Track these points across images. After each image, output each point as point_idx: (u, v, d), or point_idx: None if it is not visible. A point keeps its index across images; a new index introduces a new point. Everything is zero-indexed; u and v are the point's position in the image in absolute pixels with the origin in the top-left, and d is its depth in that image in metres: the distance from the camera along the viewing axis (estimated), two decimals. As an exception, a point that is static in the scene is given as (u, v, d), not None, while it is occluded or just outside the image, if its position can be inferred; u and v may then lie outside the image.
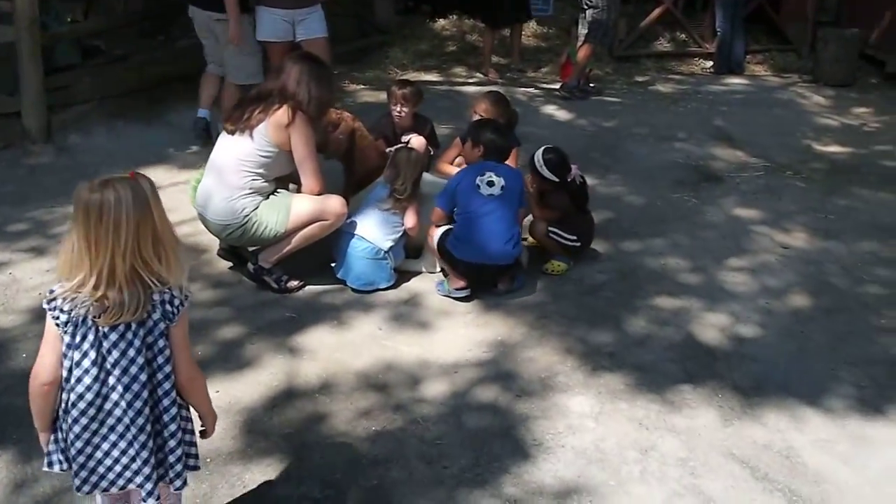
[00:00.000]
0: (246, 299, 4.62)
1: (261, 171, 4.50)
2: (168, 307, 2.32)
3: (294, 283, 4.70)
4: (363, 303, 4.61)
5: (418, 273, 4.96)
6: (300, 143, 4.49)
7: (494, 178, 4.66)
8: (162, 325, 2.32)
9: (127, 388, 2.30)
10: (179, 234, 2.48)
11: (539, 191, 5.08)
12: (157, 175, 6.28)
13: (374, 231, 4.73)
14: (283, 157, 4.54)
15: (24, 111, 6.52)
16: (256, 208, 4.49)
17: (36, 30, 6.34)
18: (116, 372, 2.29)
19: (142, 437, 2.35)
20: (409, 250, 4.98)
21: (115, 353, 2.28)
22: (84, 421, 2.33)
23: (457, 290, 4.61)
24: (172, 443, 2.42)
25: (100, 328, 2.26)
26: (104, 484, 2.40)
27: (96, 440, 2.36)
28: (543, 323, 4.45)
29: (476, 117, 5.64)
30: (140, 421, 2.34)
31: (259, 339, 4.22)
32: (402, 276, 4.87)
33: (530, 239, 5.14)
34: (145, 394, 2.33)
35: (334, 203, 4.59)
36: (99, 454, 2.37)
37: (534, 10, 10.21)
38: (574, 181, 5.11)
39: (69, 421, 2.33)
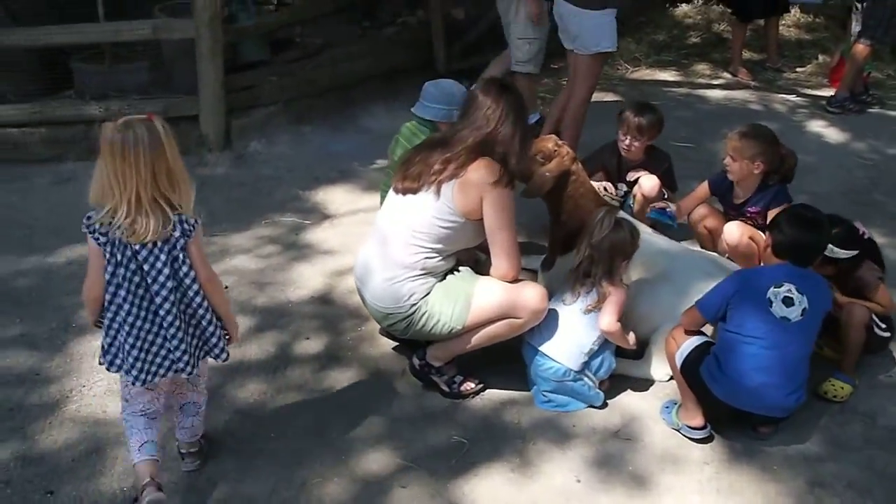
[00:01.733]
0: (405, 405, 3.46)
1: (438, 246, 3.31)
2: (185, 226, 2.65)
3: (470, 386, 3.49)
4: (557, 429, 3.32)
5: (641, 379, 3.62)
6: (497, 211, 3.26)
7: (795, 295, 3.18)
8: (182, 241, 2.66)
9: (157, 294, 2.67)
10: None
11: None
12: (335, 198, 5.29)
13: (561, 343, 3.42)
14: (469, 229, 3.33)
15: (201, 115, 5.69)
16: (427, 294, 3.31)
17: (217, 26, 5.46)
18: (149, 281, 2.66)
19: (177, 332, 2.73)
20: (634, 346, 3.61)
21: (146, 266, 2.65)
22: (130, 322, 2.69)
23: (693, 428, 3.23)
24: (210, 328, 2.82)
25: (132, 246, 2.61)
26: (154, 373, 2.77)
27: (144, 336, 2.72)
28: (819, 496, 2.99)
29: (729, 160, 4.17)
30: (171, 318, 2.71)
31: (413, 479, 3.05)
32: (616, 383, 3.55)
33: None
34: (173, 297, 2.69)
35: (531, 296, 3.32)
36: (150, 348, 2.74)
37: (797, -5, 8.36)
38: (867, 238, 3.74)
39: (116, 326, 2.72)
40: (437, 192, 3.25)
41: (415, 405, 3.45)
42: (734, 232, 4.18)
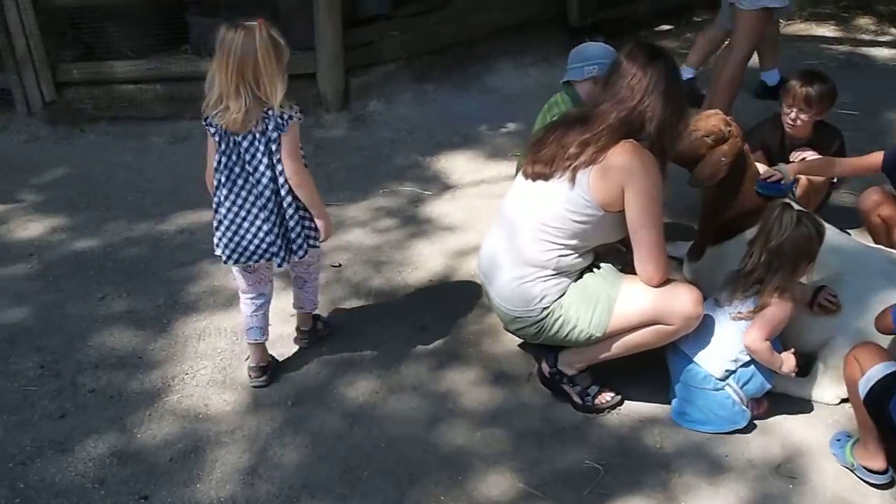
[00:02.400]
0: (530, 417, 3.05)
1: (573, 242, 2.86)
2: (279, 120, 2.82)
3: (606, 399, 3.06)
4: (707, 457, 2.86)
5: (805, 400, 3.11)
6: (642, 204, 2.78)
7: None
8: (275, 135, 2.82)
9: (258, 182, 2.88)
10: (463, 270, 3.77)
11: None
12: (458, 166, 4.88)
13: (712, 346, 2.96)
14: (608, 223, 2.86)
15: (319, 73, 5.35)
16: (562, 296, 2.88)
17: (335, -24, 5.06)
18: (249, 168, 2.87)
19: (273, 219, 2.91)
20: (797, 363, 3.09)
21: (247, 156, 2.86)
22: (227, 206, 2.92)
23: (872, 471, 2.71)
24: (291, 222, 2.95)
25: (236, 137, 2.84)
26: (245, 256, 2.97)
27: (238, 220, 2.93)
28: None
29: None
30: (270, 205, 2.90)
31: (538, 510, 2.67)
32: (776, 403, 3.05)
33: None
34: (272, 185, 2.88)
35: (685, 301, 2.85)
36: (241, 232, 2.94)
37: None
38: None
39: (220, 209, 2.95)
40: (572, 180, 2.78)
41: (542, 418, 3.04)
42: None
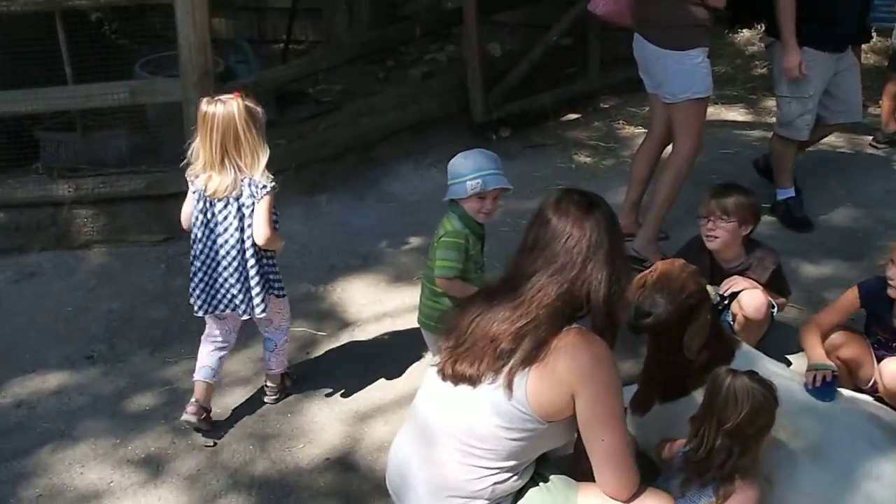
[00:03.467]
0: None
1: (511, 463, 2.21)
2: (254, 188, 3.03)
3: None
4: None
5: None
6: (599, 408, 2.17)
7: None
8: (249, 202, 3.04)
9: (226, 242, 3.10)
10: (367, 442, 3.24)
11: None
12: (356, 296, 4.21)
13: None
14: (555, 432, 2.24)
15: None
16: (502, 524, 2.21)
17: (209, 85, 4.38)
18: (220, 230, 3.09)
19: (236, 275, 3.12)
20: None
21: (220, 217, 3.08)
22: (201, 259, 3.15)
23: None
24: (254, 281, 3.14)
25: (211, 200, 3.06)
26: (213, 305, 3.20)
27: (210, 272, 3.15)
28: None
29: None
30: (235, 263, 3.11)
31: None
32: None
33: None
34: (239, 246, 3.09)
35: None
36: (213, 283, 3.16)
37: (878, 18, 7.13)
38: None
39: (195, 262, 3.16)
40: (508, 388, 2.14)
41: None
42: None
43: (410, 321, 3.93)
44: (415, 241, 4.80)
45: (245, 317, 3.21)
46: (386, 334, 3.93)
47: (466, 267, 3.08)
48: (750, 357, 3.06)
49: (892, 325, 3.19)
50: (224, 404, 3.46)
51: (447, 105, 5.89)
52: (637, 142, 6.12)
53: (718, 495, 2.34)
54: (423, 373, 3.49)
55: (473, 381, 2.18)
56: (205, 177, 3.03)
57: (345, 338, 3.92)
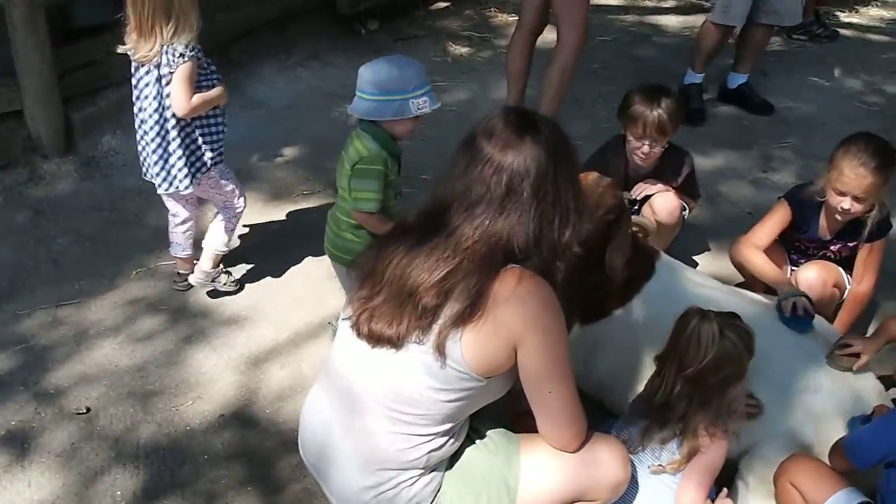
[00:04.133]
0: None
1: (447, 426, 1.93)
2: (170, 57, 2.86)
3: None
4: None
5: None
6: (546, 357, 1.90)
7: None
8: (166, 70, 2.88)
9: (145, 109, 2.97)
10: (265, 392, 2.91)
11: None
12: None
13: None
14: (495, 386, 1.95)
15: (26, 109, 3.96)
16: (438, 494, 1.94)
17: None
18: (142, 97, 2.97)
19: (155, 147, 2.99)
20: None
21: (142, 84, 2.97)
22: (137, 126, 3.06)
23: None
24: (176, 156, 3.01)
25: (137, 65, 2.96)
26: (144, 172, 3.13)
27: (141, 143, 3.07)
28: None
29: (850, 201, 2.88)
30: (153, 134, 2.98)
31: None
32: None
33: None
34: (157, 115, 2.95)
35: (610, 466, 2.04)
36: (142, 152, 3.08)
37: None
38: None
39: (137, 131, 3.10)
40: (440, 353, 1.83)
41: None
42: (815, 282, 2.97)
43: (299, 245, 3.56)
44: (289, 152, 4.35)
45: (164, 191, 3.09)
46: (272, 262, 3.53)
47: (386, 195, 2.71)
48: (670, 268, 2.87)
49: (816, 234, 3.06)
50: (92, 360, 3.01)
51: (309, -3, 5.32)
52: (511, 30, 5.79)
53: (681, 452, 2.16)
54: (324, 310, 3.21)
55: (394, 342, 1.87)
56: (132, 40, 2.91)
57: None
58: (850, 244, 3.06)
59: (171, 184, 3.05)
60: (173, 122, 2.95)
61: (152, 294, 3.34)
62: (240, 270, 3.48)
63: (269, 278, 3.45)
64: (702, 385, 2.13)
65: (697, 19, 6.00)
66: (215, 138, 3.10)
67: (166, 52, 2.85)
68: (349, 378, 1.97)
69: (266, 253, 3.58)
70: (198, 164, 3.07)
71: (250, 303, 3.31)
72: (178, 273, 3.36)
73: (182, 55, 2.85)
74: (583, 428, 2.00)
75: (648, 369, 2.64)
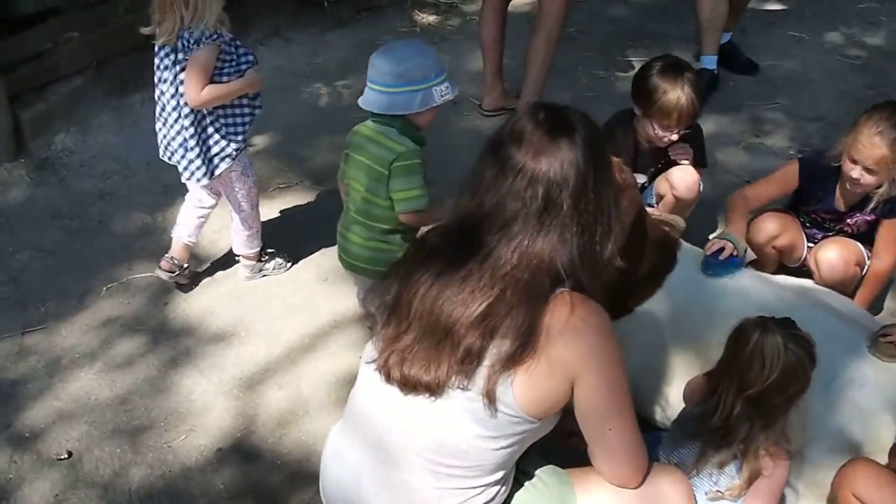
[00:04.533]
0: None
1: (499, 474, 1.72)
2: (184, 41, 2.69)
3: None
4: None
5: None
6: (605, 391, 1.69)
7: None
8: (182, 56, 2.71)
9: (164, 93, 2.82)
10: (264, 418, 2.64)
11: None
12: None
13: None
14: (547, 424, 1.75)
15: (-32, 110, 3.60)
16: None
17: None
18: (161, 80, 2.82)
19: (175, 133, 2.85)
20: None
21: (161, 66, 2.80)
22: (157, 106, 2.90)
23: None
24: (189, 145, 2.83)
25: (158, 46, 2.78)
26: (163, 153, 2.97)
27: (161, 125, 2.91)
28: None
29: (862, 172, 2.70)
30: (171, 121, 2.84)
31: None
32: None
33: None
34: (174, 101, 2.80)
35: (674, 503, 1.83)
36: (161, 134, 2.92)
37: None
38: None
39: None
40: (490, 401, 1.61)
41: None
42: (836, 263, 2.80)
43: (283, 247, 3.29)
44: (259, 141, 4.04)
45: (185, 180, 2.94)
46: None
47: None
48: (694, 256, 2.68)
49: (832, 205, 2.89)
50: (68, 394, 2.73)
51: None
52: (446, 37, 5.50)
53: (742, 477, 1.97)
54: (318, 318, 2.96)
55: (433, 389, 1.64)
56: (156, 18, 2.73)
57: (205, 280, 3.21)
58: (868, 218, 2.89)
59: (191, 173, 2.88)
60: (187, 110, 2.77)
61: (128, 312, 3.05)
62: (219, 278, 3.21)
63: (252, 286, 3.18)
64: (766, 405, 1.94)
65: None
66: (239, 129, 2.89)
67: (182, 37, 2.69)
68: (380, 428, 1.74)
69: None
70: (221, 156, 2.88)
71: (236, 315, 3.04)
72: (173, 260, 3.05)
73: (198, 42, 2.67)
74: (644, 462, 1.80)
75: (678, 367, 2.48)
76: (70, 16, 3.92)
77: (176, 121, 2.82)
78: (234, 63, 2.80)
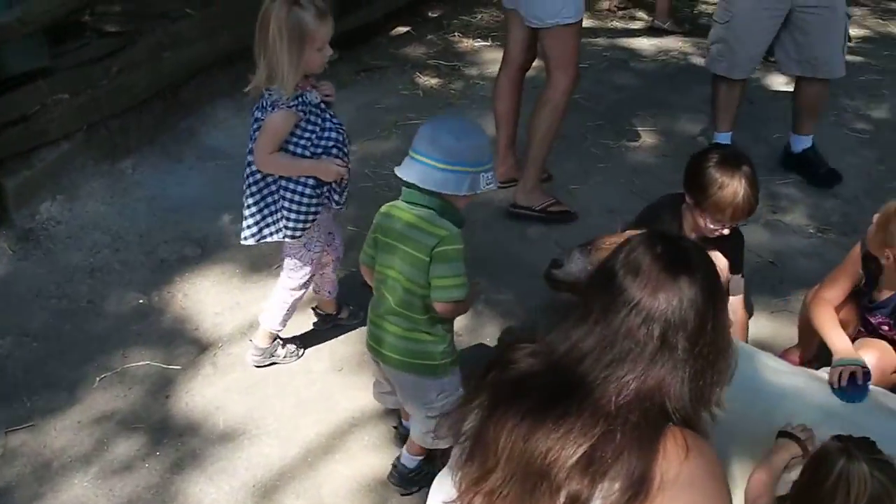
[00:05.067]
0: None
1: None
2: (264, 100, 2.60)
3: None
4: None
5: None
6: None
7: None
8: (259, 114, 2.63)
9: (249, 151, 2.71)
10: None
11: None
12: (206, 300, 3.25)
13: None
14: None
15: (-52, 177, 3.32)
16: None
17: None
18: (250, 132, 2.71)
19: (244, 188, 2.75)
20: None
21: (251, 121, 2.70)
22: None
23: None
24: (249, 200, 2.74)
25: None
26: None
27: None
28: None
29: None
30: (244, 175, 2.74)
31: None
32: None
33: None
34: (248, 157, 2.70)
35: None
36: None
37: None
38: None
39: None
40: None
41: None
42: (873, 369, 2.60)
43: (292, 331, 3.03)
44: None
45: (243, 240, 2.81)
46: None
47: None
48: (745, 355, 2.48)
49: (869, 300, 2.70)
50: (61, 503, 2.43)
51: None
52: (480, 56, 5.40)
53: None
54: (336, 415, 2.68)
55: None
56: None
57: (207, 369, 2.95)
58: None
59: (242, 230, 2.79)
60: (250, 168, 2.70)
61: (124, 406, 2.77)
62: (223, 367, 2.94)
63: (262, 376, 2.92)
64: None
65: (670, 42, 5.73)
66: (303, 209, 2.69)
67: (263, 95, 2.60)
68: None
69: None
70: (273, 228, 2.75)
71: (245, 411, 2.77)
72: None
73: (273, 105, 2.56)
74: None
75: (735, 481, 2.27)
76: (59, 76, 3.67)
77: (245, 177, 2.72)
78: (313, 137, 2.64)
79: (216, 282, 3.35)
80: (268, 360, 2.94)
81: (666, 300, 1.45)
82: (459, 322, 3.15)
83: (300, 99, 2.57)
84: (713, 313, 1.49)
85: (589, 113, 4.77)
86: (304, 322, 3.11)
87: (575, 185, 4.08)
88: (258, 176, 2.68)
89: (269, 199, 2.71)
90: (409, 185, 2.28)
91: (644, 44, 5.73)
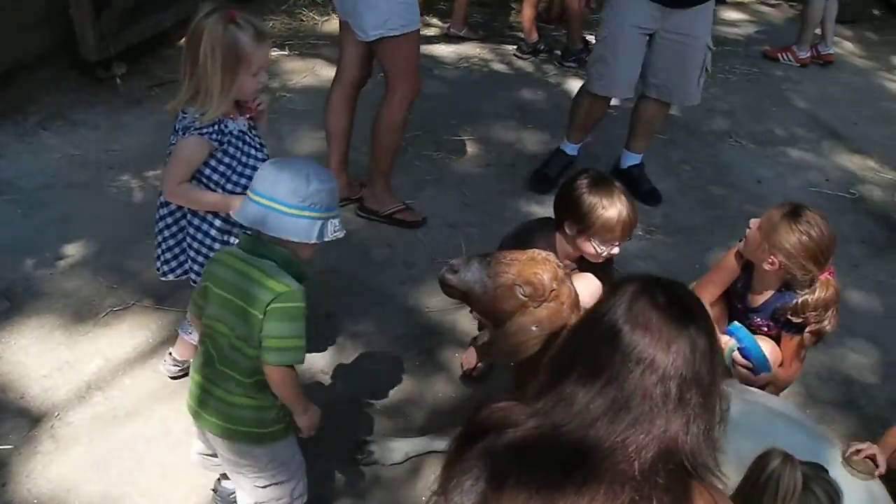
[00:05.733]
0: None
1: None
2: (179, 124, 2.36)
3: None
4: None
5: None
6: None
7: None
8: (172, 138, 2.39)
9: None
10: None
11: None
12: (26, 361, 2.81)
13: None
14: None
15: None
16: None
17: None
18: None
19: (161, 226, 2.53)
20: None
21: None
22: None
23: None
24: (159, 236, 2.54)
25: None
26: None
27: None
28: None
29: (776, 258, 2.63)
30: (161, 212, 2.51)
31: None
32: None
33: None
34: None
35: None
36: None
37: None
38: None
39: None
40: None
41: None
42: (769, 352, 2.77)
43: (137, 389, 2.69)
44: (73, 251, 3.36)
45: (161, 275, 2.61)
46: (103, 422, 2.62)
47: None
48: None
49: (745, 301, 2.85)
50: None
51: (38, 42, 4.24)
52: (279, 67, 5.16)
53: None
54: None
55: None
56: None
57: (46, 445, 2.53)
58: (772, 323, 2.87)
59: (165, 267, 2.58)
60: (161, 199, 2.48)
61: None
62: (67, 441, 2.54)
63: (114, 446, 2.55)
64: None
65: (468, 49, 5.78)
66: (200, 251, 2.47)
67: (181, 118, 2.35)
68: None
69: (90, 411, 2.65)
70: (180, 260, 2.55)
71: (102, 490, 2.43)
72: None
73: (186, 128, 2.31)
74: None
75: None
76: None
77: (158, 206, 2.49)
78: (228, 171, 2.38)
79: (36, 339, 2.90)
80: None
81: (677, 354, 1.40)
82: (321, 362, 2.96)
83: (216, 126, 2.32)
84: (716, 362, 1.46)
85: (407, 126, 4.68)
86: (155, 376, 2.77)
87: (409, 201, 3.98)
88: (173, 206, 2.45)
89: (172, 231, 2.50)
90: (248, 230, 2.05)
91: (444, 51, 5.73)
